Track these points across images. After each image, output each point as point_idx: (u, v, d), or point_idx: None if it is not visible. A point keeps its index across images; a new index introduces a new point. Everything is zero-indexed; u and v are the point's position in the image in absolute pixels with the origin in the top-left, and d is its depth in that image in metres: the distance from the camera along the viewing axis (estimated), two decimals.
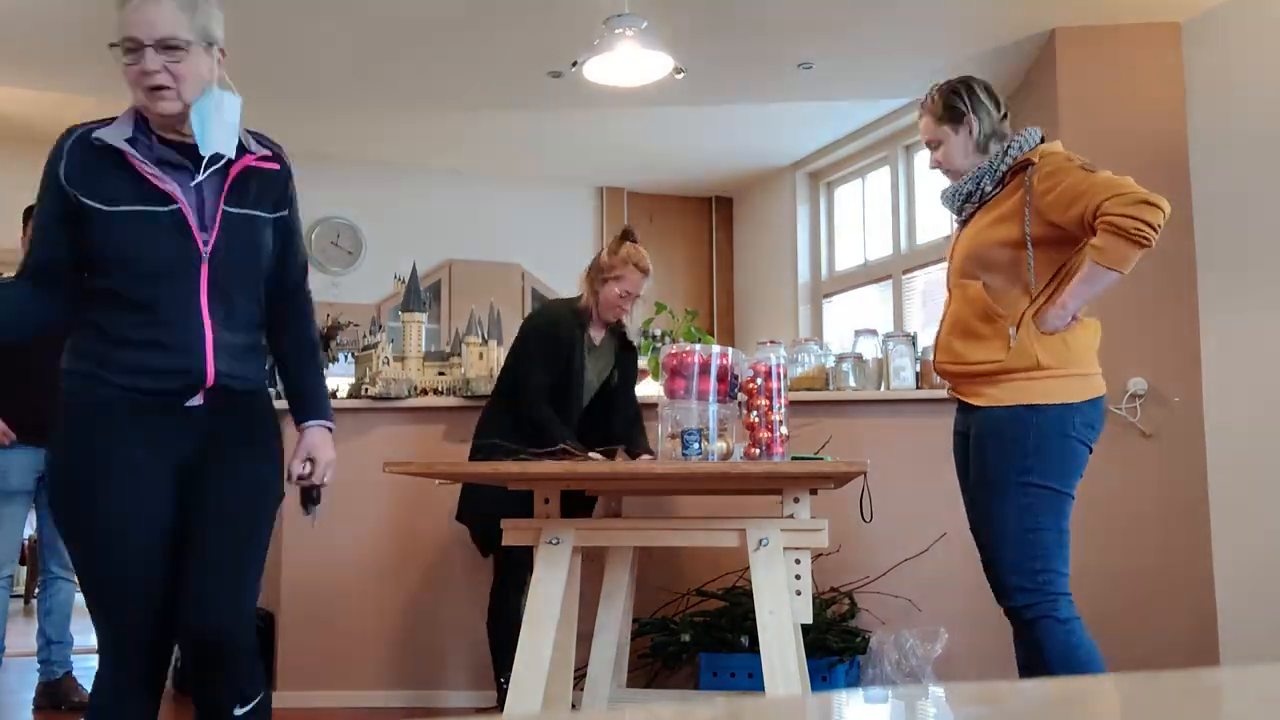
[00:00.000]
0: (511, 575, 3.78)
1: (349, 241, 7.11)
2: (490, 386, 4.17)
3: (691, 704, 0.79)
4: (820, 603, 4.09)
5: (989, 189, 2.83)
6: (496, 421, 3.85)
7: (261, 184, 2.24)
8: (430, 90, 5.64)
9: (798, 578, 2.79)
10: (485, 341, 4.59)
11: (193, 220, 2.10)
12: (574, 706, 3.41)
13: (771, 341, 4.12)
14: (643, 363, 4.63)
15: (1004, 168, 2.80)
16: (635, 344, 4.03)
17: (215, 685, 2.12)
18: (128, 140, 2.10)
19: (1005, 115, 2.91)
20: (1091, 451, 2.73)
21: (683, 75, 4.54)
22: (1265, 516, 4.34)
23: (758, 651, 2.73)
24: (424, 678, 4.31)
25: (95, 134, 2.10)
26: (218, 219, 2.13)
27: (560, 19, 4.66)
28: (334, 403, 4.59)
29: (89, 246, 2.08)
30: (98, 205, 2.06)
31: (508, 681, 3.21)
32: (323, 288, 6.72)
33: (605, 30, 4.27)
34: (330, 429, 2.46)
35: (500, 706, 3.83)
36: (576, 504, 3.59)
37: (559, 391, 3.75)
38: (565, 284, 7.67)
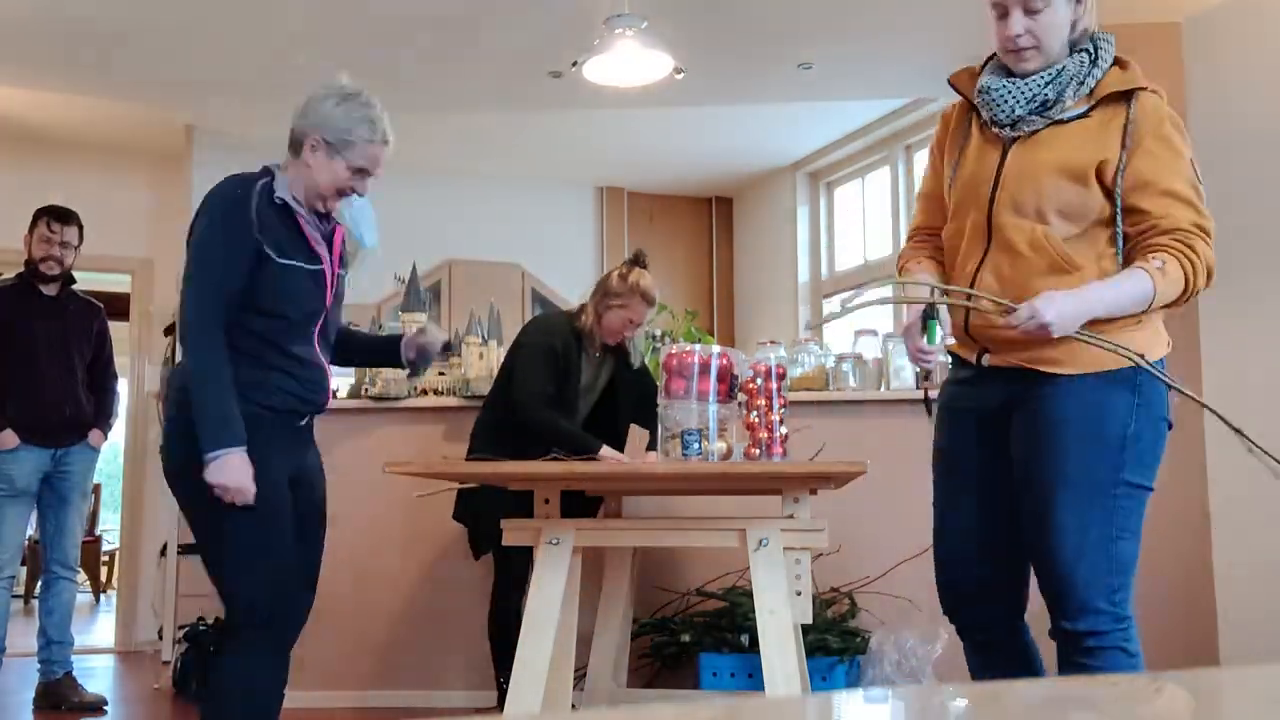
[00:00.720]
0: (511, 575, 3.78)
1: (348, 241, 7.10)
2: (490, 386, 4.17)
3: (691, 704, 0.79)
4: (820, 603, 4.09)
5: (1070, 105, 2.23)
6: (490, 434, 3.81)
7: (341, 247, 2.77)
8: (430, 90, 5.64)
9: (798, 578, 2.79)
10: (485, 341, 4.59)
11: (329, 279, 2.61)
12: (574, 706, 3.41)
13: (771, 341, 4.13)
14: None
15: (1092, 81, 2.24)
16: (636, 365, 3.97)
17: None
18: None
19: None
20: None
21: (683, 75, 4.54)
22: (1265, 517, 4.34)
23: (758, 651, 2.73)
24: (424, 678, 4.31)
25: (277, 192, 2.53)
26: (333, 279, 2.64)
27: (560, 19, 4.66)
28: (334, 403, 4.61)
29: (254, 287, 2.46)
30: (272, 255, 2.46)
31: (507, 681, 3.23)
32: None
33: (605, 30, 4.27)
34: None
35: (500, 706, 3.83)
36: (580, 505, 3.59)
37: (555, 402, 3.73)
38: (565, 284, 7.68)
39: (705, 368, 2.79)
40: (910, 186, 6.77)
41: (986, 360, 2.30)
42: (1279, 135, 4.37)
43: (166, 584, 5.81)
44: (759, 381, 2.80)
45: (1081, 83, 2.26)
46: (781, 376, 2.88)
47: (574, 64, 4.57)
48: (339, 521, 4.46)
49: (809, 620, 2.83)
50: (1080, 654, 2.19)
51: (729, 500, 3.82)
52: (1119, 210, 2.18)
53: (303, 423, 2.65)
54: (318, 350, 2.62)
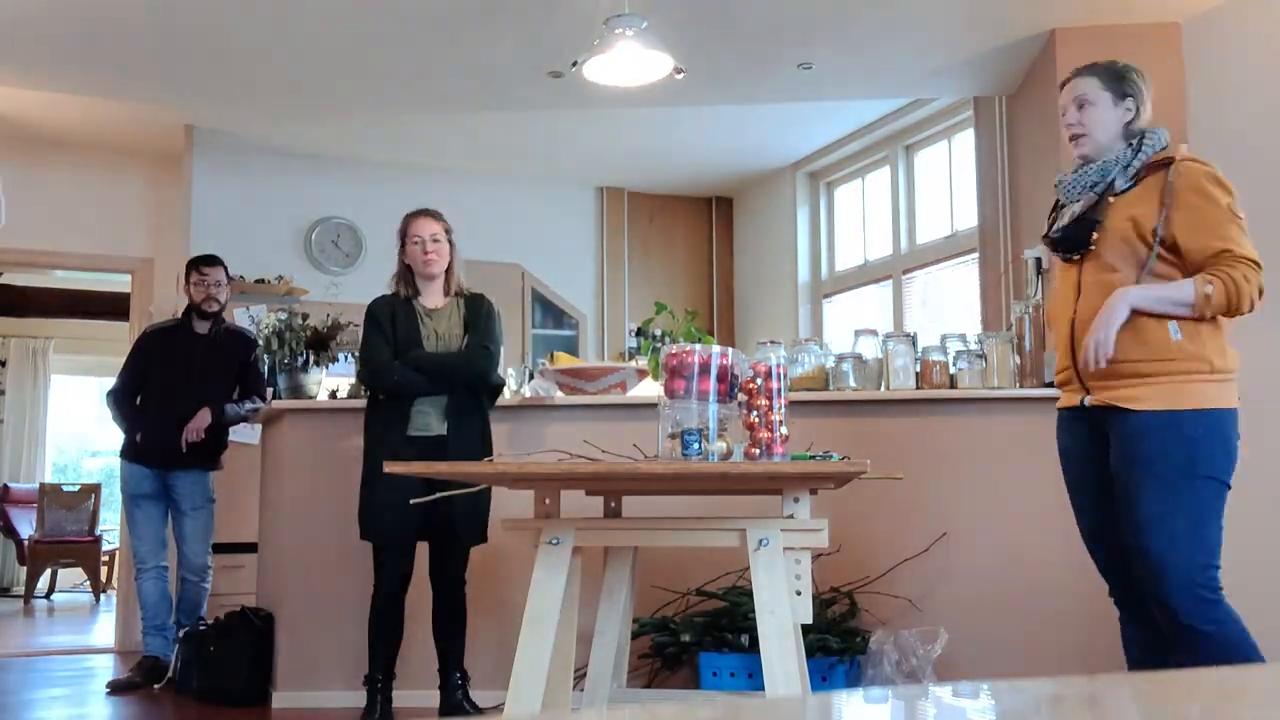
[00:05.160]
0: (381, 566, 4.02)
1: (349, 241, 7.11)
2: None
3: (691, 704, 0.79)
4: (820, 603, 4.09)
5: (1120, 184, 2.82)
6: (369, 424, 4.07)
7: None
8: (430, 90, 5.64)
9: (798, 578, 2.78)
10: None
11: None
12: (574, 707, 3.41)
13: (771, 341, 4.13)
14: (643, 363, 4.63)
15: (1138, 164, 2.80)
16: (469, 292, 4.18)
17: None
18: None
19: (1147, 112, 2.91)
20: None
21: (683, 75, 4.54)
22: (1265, 517, 4.34)
23: (758, 651, 2.73)
24: (423, 678, 4.31)
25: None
26: None
27: (560, 19, 4.66)
28: (334, 403, 4.62)
29: None
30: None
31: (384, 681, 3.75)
32: (323, 287, 6.72)
33: (605, 30, 4.27)
34: None
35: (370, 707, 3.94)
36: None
37: (402, 354, 3.97)
38: (565, 284, 7.68)
39: (705, 368, 2.79)
40: (910, 186, 6.77)
41: (1088, 401, 2.94)
42: (1279, 135, 4.37)
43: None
44: (759, 381, 2.80)
45: (1127, 166, 2.82)
46: (782, 376, 2.87)
47: (574, 64, 4.57)
48: (339, 521, 4.46)
49: (809, 620, 2.83)
50: (1175, 633, 2.72)
51: (729, 500, 3.82)
52: (1152, 257, 2.76)
53: None
54: None
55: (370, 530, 3.96)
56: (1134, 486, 2.76)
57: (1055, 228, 2.96)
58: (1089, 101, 2.86)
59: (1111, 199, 2.82)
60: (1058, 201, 3.03)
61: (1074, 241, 2.88)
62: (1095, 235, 2.82)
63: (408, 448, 3.89)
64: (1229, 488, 2.77)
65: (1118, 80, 2.85)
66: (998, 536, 4.50)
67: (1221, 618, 2.71)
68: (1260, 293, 2.70)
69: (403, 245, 4.07)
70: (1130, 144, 2.83)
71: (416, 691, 4.31)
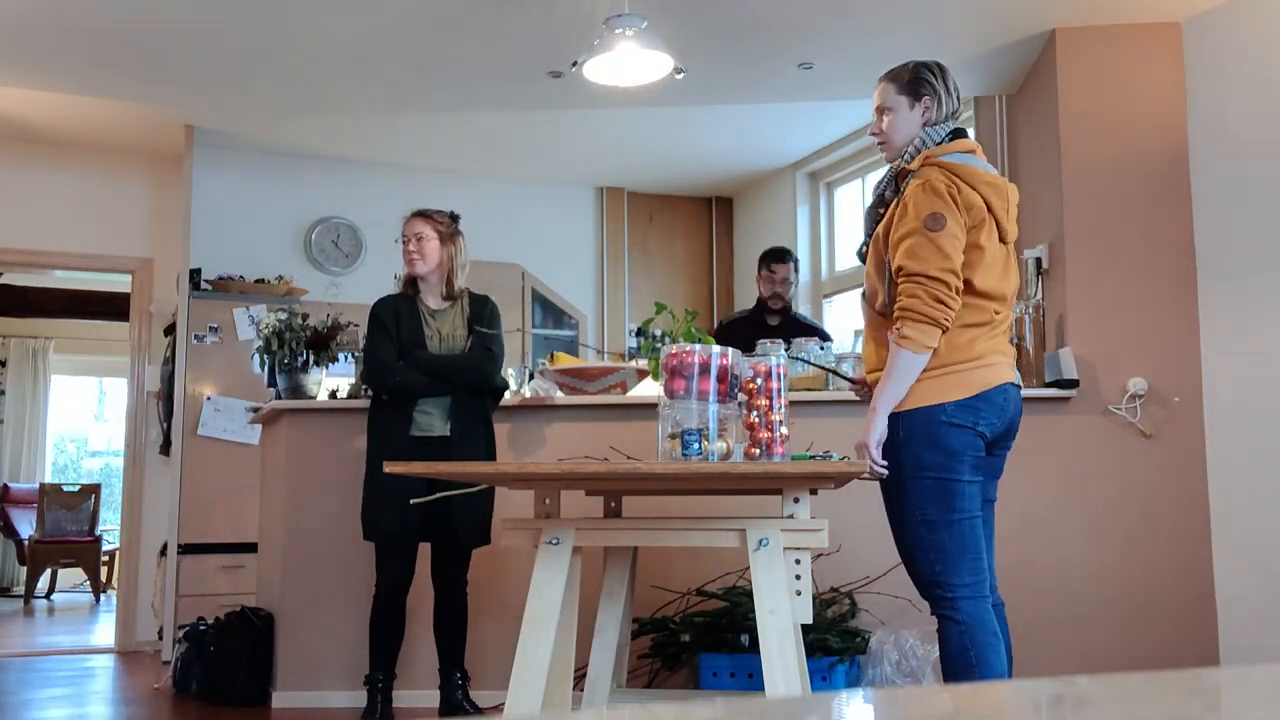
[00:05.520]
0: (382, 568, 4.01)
1: (349, 241, 7.11)
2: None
3: (691, 704, 0.79)
4: (820, 603, 4.09)
5: (889, 195, 2.90)
6: (372, 424, 4.07)
7: None
8: (430, 90, 5.64)
9: (798, 578, 2.78)
10: None
11: None
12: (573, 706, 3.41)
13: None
14: (643, 363, 4.63)
15: (896, 168, 2.89)
16: (474, 294, 4.22)
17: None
18: None
19: (956, 115, 2.95)
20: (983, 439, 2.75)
21: (683, 75, 4.54)
22: (1265, 516, 4.34)
23: (758, 651, 2.73)
24: (423, 678, 4.31)
25: None
26: None
27: (560, 19, 4.66)
28: (334, 403, 4.62)
29: None
30: None
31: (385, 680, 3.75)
32: (322, 288, 6.72)
33: (605, 30, 4.27)
34: None
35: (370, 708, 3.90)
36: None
37: (406, 354, 3.98)
38: (565, 284, 7.68)
39: (705, 368, 2.79)
40: None
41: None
42: (1279, 135, 4.37)
43: (166, 584, 5.82)
44: (759, 381, 2.80)
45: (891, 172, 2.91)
46: (782, 376, 2.87)
47: (574, 64, 4.57)
48: (339, 521, 4.47)
49: (809, 620, 2.83)
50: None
51: (729, 500, 3.82)
52: (889, 269, 2.85)
53: None
54: None
55: (373, 530, 3.96)
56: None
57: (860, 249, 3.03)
58: (887, 108, 2.92)
59: (882, 210, 2.91)
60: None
61: (860, 256, 3.01)
62: (863, 249, 2.94)
63: (411, 448, 3.89)
64: (961, 483, 2.71)
65: (911, 83, 2.89)
66: (997, 536, 4.49)
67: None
68: (936, 300, 2.67)
69: (400, 249, 4.14)
70: (913, 148, 2.88)
71: (417, 691, 4.31)
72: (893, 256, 2.77)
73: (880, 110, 2.94)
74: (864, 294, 2.98)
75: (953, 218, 2.70)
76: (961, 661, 2.68)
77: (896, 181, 2.88)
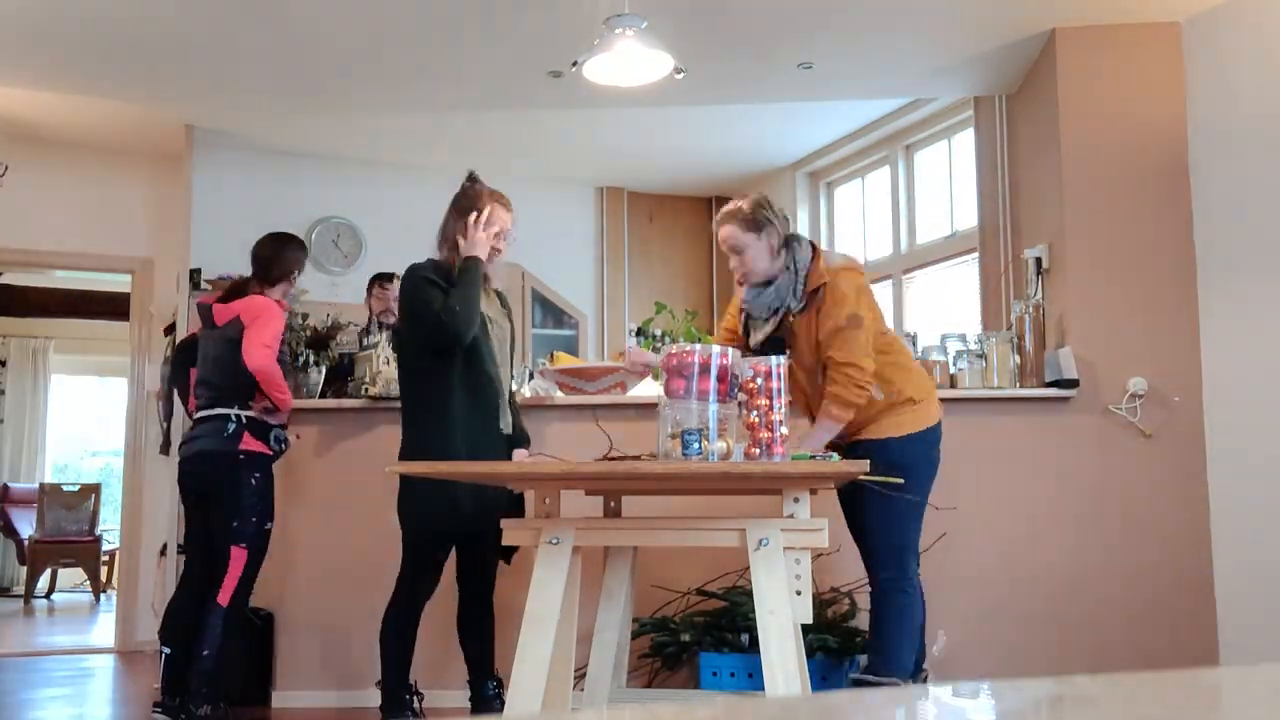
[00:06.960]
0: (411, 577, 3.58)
1: (349, 241, 7.11)
2: None
3: (691, 704, 0.78)
4: (820, 603, 4.09)
5: (794, 306, 3.36)
6: (422, 441, 3.45)
7: None
8: (430, 90, 5.64)
9: (798, 578, 2.78)
10: None
11: None
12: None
13: None
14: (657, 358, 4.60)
15: (800, 289, 3.33)
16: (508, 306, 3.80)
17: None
18: None
19: (787, 221, 3.42)
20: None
21: (683, 75, 4.54)
22: (1265, 516, 4.34)
23: (758, 651, 2.73)
24: (423, 678, 4.30)
25: None
26: None
27: (560, 19, 4.66)
28: (334, 403, 4.61)
29: None
30: None
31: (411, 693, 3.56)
32: (322, 288, 6.71)
33: (605, 30, 4.27)
34: None
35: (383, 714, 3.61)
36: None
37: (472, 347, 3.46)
38: (565, 284, 7.67)
39: (705, 368, 2.79)
40: (910, 186, 6.77)
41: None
42: (1279, 135, 4.37)
43: (166, 584, 5.81)
44: (759, 381, 2.80)
45: (796, 290, 3.36)
46: (782, 376, 2.87)
47: (574, 64, 4.57)
48: (339, 521, 4.46)
49: (809, 620, 2.83)
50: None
51: (729, 500, 3.82)
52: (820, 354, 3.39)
53: None
54: None
55: (442, 538, 3.57)
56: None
57: (754, 342, 3.46)
58: (739, 248, 3.33)
59: (791, 319, 3.38)
60: (747, 313, 3.50)
61: (774, 351, 3.27)
62: (788, 350, 3.33)
63: (502, 445, 3.60)
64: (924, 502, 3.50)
65: (751, 222, 3.30)
66: (997, 536, 4.50)
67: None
68: (859, 386, 3.29)
69: (464, 222, 3.62)
70: (789, 267, 3.34)
71: (455, 692, 4.31)
72: (826, 347, 3.32)
73: (734, 250, 3.34)
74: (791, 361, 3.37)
75: (868, 315, 3.32)
76: (920, 619, 3.53)
77: (805, 296, 3.36)
